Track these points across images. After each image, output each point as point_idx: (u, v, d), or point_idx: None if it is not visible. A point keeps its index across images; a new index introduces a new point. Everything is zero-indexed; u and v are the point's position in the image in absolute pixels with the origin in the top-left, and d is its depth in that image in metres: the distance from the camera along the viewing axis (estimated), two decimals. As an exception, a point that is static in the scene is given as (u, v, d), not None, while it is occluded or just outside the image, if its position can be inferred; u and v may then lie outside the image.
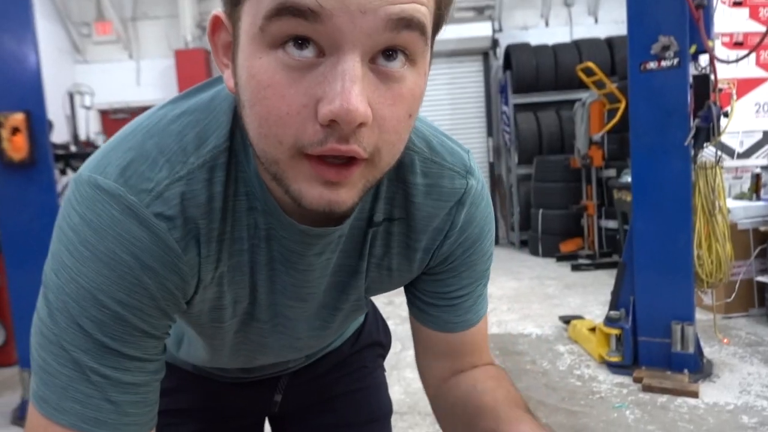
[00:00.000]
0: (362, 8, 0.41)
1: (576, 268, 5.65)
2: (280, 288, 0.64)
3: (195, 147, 0.53)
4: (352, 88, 0.41)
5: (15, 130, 2.75)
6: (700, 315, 3.21)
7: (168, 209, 0.51)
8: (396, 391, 2.95)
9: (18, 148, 2.77)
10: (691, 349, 2.82)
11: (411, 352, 3.45)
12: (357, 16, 0.41)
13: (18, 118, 2.76)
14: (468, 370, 0.74)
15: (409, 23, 0.43)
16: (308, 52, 0.43)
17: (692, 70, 2.74)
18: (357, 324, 1.00)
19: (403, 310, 3.55)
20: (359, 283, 0.67)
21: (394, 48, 0.44)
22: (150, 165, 0.51)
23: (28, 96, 2.85)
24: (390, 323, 0.83)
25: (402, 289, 0.75)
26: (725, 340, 3.30)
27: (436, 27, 0.49)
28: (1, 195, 2.86)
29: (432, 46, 0.49)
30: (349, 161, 0.45)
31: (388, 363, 3.18)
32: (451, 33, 7.06)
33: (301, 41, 0.43)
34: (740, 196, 4.27)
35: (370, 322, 1.04)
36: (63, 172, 5.23)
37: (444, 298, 0.71)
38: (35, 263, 2.90)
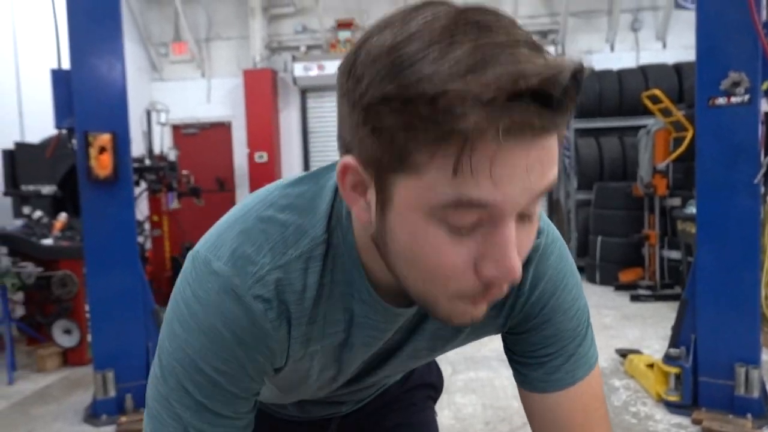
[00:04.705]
0: (524, 192, 0.46)
1: (635, 298, 5.50)
2: (364, 361, 0.72)
3: (295, 240, 0.60)
4: (511, 253, 0.48)
5: (102, 150, 2.98)
6: (765, 356, 3.08)
7: (266, 292, 0.58)
8: (446, 416, 2.98)
9: (104, 166, 2.99)
10: (756, 394, 2.72)
11: (462, 376, 3.46)
12: (518, 197, 0.46)
13: (105, 138, 2.99)
14: None
15: (549, 186, 0.48)
16: (471, 219, 0.48)
17: (764, 107, 2.67)
18: None
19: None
20: (424, 341, 0.72)
21: None
22: (256, 250, 0.59)
23: (115, 118, 3.08)
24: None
25: None
26: (794, 386, 3.15)
27: None
28: (86, 209, 3.10)
29: None
30: None
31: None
32: (513, 56, 7.06)
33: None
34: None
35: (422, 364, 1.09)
36: (137, 184, 5.56)
37: (532, 356, 0.73)
38: (112, 272, 3.12)
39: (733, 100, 2.66)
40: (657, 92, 5.31)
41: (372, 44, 0.47)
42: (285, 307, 0.60)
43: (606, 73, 6.79)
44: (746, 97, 2.62)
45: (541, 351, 0.72)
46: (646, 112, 5.82)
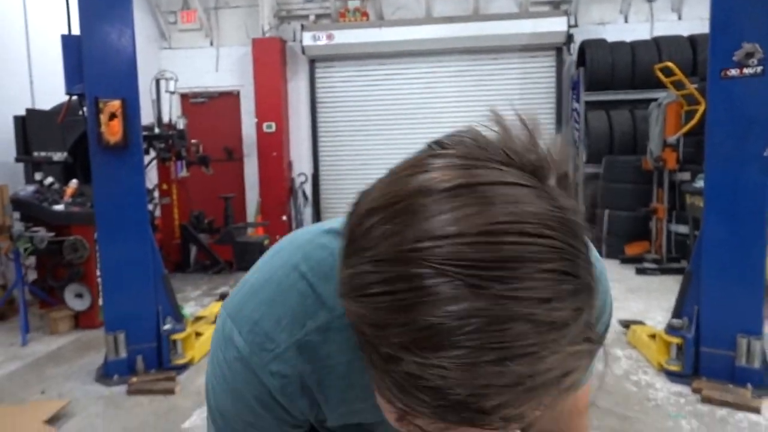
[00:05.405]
0: None
1: (641, 271, 5.52)
2: None
3: (313, 311, 0.58)
4: None
5: (112, 116, 3.00)
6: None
7: (285, 368, 0.59)
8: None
9: (114, 132, 3.01)
10: (757, 364, 2.75)
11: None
12: None
13: (115, 104, 3.01)
14: None
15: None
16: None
17: (777, 78, 2.64)
18: None
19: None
20: None
21: None
22: (274, 324, 0.59)
23: (125, 84, 3.09)
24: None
25: None
26: (796, 358, 3.18)
27: None
28: (96, 174, 3.13)
29: None
30: None
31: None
32: (524, 27, 6.97)
33: None
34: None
35: None
36: (146, 152, 5.58)
37: None
38: (123, 236, 3.17)
39: (746, 71, 2.63)
40: (670, 64, 5.23)
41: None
42: (304, 381, 0.61)
43: (619, 45, 6.69)
44: (759, 69, 2.59)
45: None
46: (659, 85, 5.75)
